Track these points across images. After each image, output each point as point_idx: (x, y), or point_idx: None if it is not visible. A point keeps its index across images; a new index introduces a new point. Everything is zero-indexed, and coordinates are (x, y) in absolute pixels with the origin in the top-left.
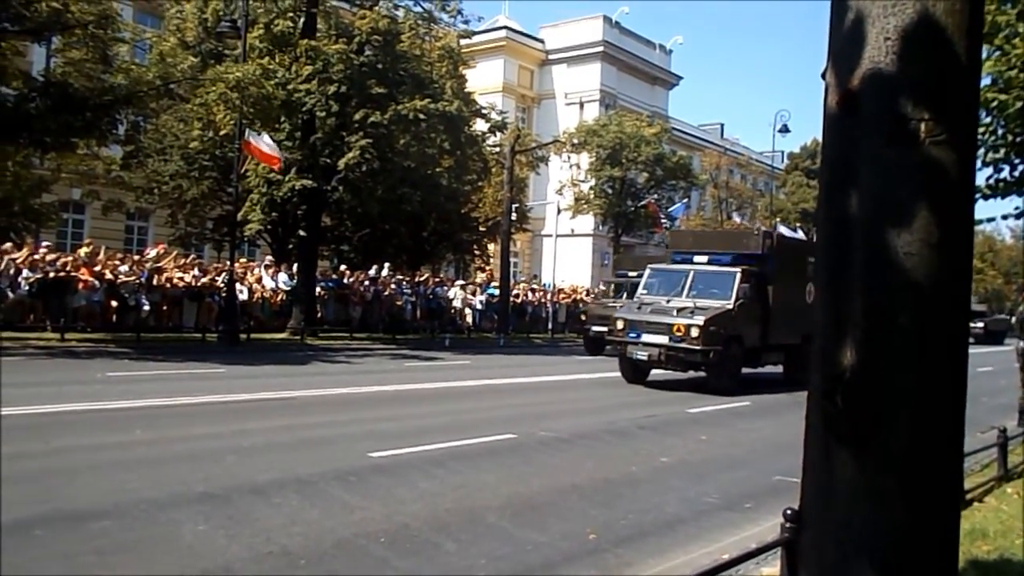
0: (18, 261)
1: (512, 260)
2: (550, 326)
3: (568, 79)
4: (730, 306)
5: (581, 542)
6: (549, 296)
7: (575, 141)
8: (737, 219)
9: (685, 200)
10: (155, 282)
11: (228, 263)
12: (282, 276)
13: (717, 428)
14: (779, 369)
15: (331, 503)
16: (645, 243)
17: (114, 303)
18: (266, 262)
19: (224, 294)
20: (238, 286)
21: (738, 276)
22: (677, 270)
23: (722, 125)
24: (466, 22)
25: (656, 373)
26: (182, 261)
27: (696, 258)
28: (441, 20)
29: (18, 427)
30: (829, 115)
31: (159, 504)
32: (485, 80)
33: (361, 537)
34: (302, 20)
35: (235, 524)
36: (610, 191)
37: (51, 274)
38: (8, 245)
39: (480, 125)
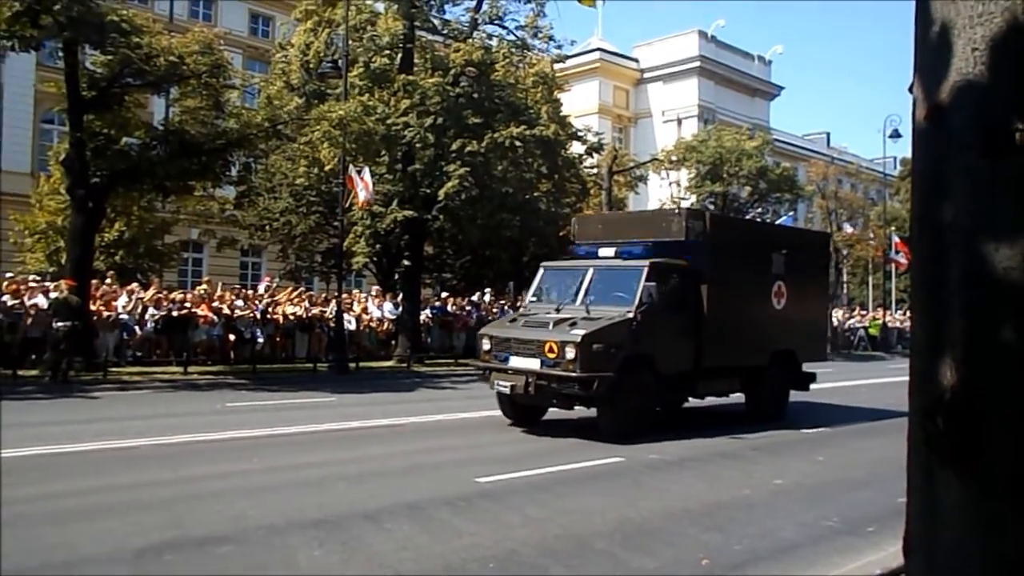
0: (145, 299)
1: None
2: None
3: (665, 96)
4: (630, 315)
5: (694, 568)
6: None
7: (674, 158)
8: (849, 229)
9: (791, 213)
10: (269, 315)
11: (336, 294)
12: (388, 305)
13: (834, 448)
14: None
15: (440, 528)
16: None
17: (231, 337)
18: (372, 292)
19: (333, 324)
20: (346, 316)
21: (644, 273)
22: (574, 268)
23: (828, 134)
24: (559, 47)
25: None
26: (293, 294)
27: (601, 251)
28: (534, 47)
29: (149, 457)
30: (918, 129)
31: (277, 530)
32: (580, 102)
33: (470, 562)
34: (399, 56)
35: (348, 549)
36: (712, 207)
37: (174, 311)
38: (135, 285)
39: (576, 147)
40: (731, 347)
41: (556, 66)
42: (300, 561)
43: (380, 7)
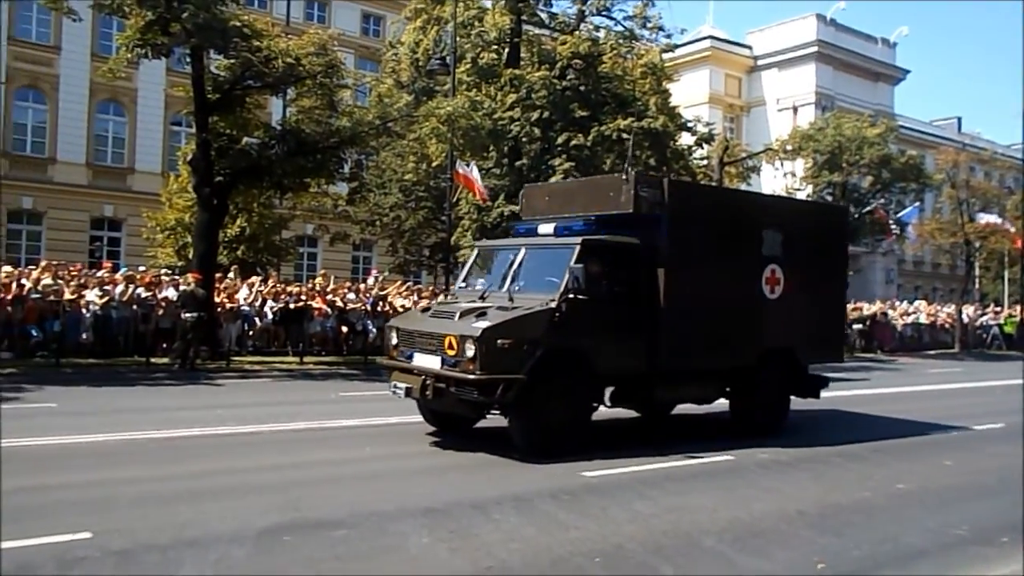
0: (264, 292)
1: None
2: None
3: (780, 84)
4: (552, 303)
5: (809, 572)
6: None
7: (789, 148)
8: (983, 219)
9: (918, 203)
10: (379, 308)
11: (444, 287)
12: None
13: (963, 452)
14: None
15: (547, 521)
16: (872, 252)
17: (344, 328)
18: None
19: None
20: None
21: (574, 253)
22: (505, 248)
23: (959, 119)
24: (668, 36)
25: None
26: (402, 287)
27: (541, 227)
28: (642, 37)
29: (268, 442)
30: None
31: (388, 516)
32: (690, 92)
33: (577, 556)
34: (506, 51)
35: (457, 538)
36: (830, 198)
37: (291, 304)
38: (255, 278)
39: (686, 139)
40: (700, 344)
41: (665, 56)
42: (410, 548)
43: (487, 2)
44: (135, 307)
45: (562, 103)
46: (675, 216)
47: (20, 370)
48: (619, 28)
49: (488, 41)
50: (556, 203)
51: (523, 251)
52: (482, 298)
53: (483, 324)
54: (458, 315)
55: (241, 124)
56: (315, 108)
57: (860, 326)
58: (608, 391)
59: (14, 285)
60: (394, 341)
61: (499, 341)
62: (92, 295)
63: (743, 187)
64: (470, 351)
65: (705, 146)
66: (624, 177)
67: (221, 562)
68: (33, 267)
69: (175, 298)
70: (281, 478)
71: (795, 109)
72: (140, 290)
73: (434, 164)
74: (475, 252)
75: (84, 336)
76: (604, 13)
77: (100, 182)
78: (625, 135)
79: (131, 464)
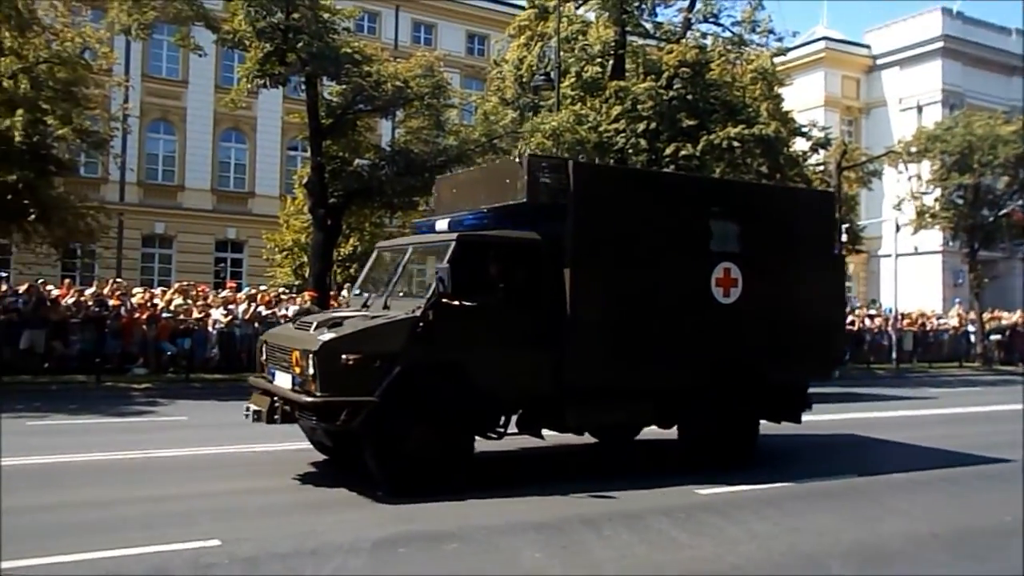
0: None
1: (846, 284)
2: (894, 355)
3: (902, 83)
4: (419, 312)
5: None
6: (891, 322)
7: (913, 149)
8: None
9: None
10: None
11: None
12: None
13: None
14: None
15: (660, 539)
16: (1011, 257)
17: None
18: None
19: None
20: None
21: (448, 252)
22: (396, 248)
23: None
24: (779, 40)
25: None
26: None
27: (438, 223)
28: (752, 42)
29: None
30: None
31: (499, 530)
32: (804, 96)
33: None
34: (611, 63)
35: (569, 554)
36: (960, 201)
37: None
38: None
39: (800, 144)
40: (621, 359)
41: (776, 60)
42: (523, 562)
43: (591, 16)
44: (256, 324)
45: (669, 113)
46: (583, 205)
47: (154, 385)
48: (727, 34)
49: (592, 54)
50: (461, 195)
51: (409, 251)
52: (365, 306)
53: (325, 337)
54: (314, 326)
55: (353, 147)
56: (423, 128)
57: (999, 336)
58: (514, 416)
59: (148, 305)
60: (263, 356)
61: (343, 356)
62: (217, 314)
63: (864, 192)
64: (311, 368)
65: (821, 151)
66: (518, 160)
67: (339, 571)
68: (164, 288)
69: (292, 316)
70: None
71: (919, 109)
72: (261, 308)
73: None
74: (375, 253)
75: (211, 352)
76: (711, 20)
77: (223, 206)
78: (735, 143)
79: (257, 475)
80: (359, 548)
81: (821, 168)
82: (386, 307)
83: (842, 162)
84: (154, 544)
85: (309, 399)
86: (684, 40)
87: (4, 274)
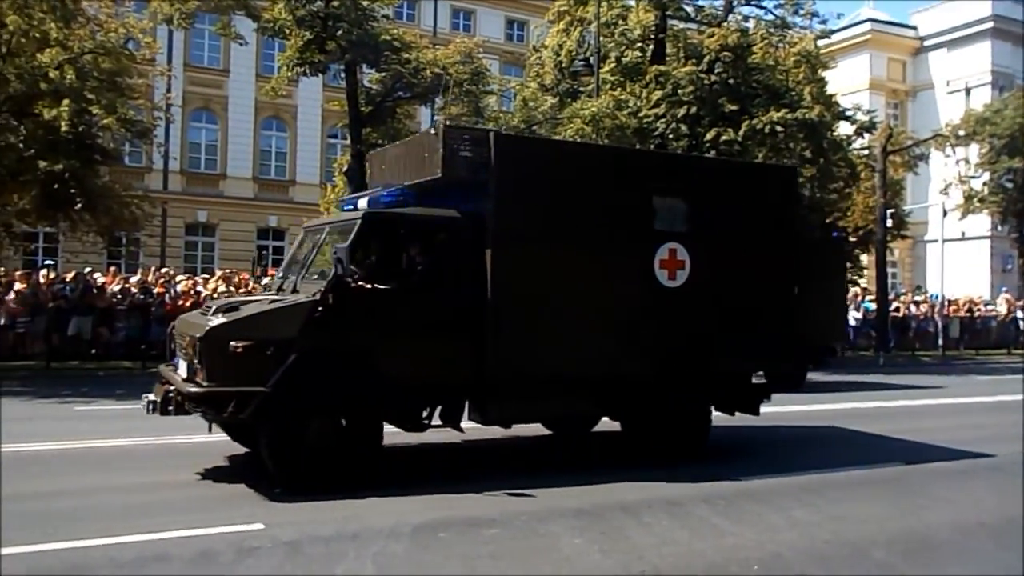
0: None
1: (890, 271)
2: (940, 342)
3: (949, 65)
4: (318, 295)
5: None
6: (937, 309)
7: (961, 133)
8: None
9: None
10: None
11: None
12: None
13: None
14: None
15: (700, 525)
16: None
17: None
18: None
19: None
20: None
21: (353, 232)
22: (315, 228)
23: None
24: (823, 22)
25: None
26: None
27: (361, 200)
28: (795, 25)
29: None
30: None
31: (538, 516)
32: (849, 79)
33: (732, 563)
34: (651, 48)
35: (608, 540)
36: (1010, 185)
37: None
38: None
39: (844, 128)
40: (550, 348)
41: (820, 43)
42: (562, 548)
43: (631, 1)
44: None
45: (710, 98)
46: (506, 180)
47: None
48: (770, 17)
49: (632, 39)
50: (389, 171)
51: (326, 231)
52: (280, 289)
53: (214, 322)
54: (212, 310)
55: (392, 134)
56: (462, 115)
57: None
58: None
59: (192, 293)
60: (172, 344)
61: (232, 343)
62: None
63: (909, 177)
64: (198, 356)
65: (866, 135)
66: (434, 131)
67: (380, 555)
68: (207, 276)
69: None
70: (434, 476)
71: (968, 91)
72: None
73: None
74: (301, 233)
75: None
76: (754, 2)
77: (265, 195)
78: (778, 128)
79: None
80: (400, 533)
81: (866, 152)
82: (295, 290)
83: (887, 146)
84: (199, 527)
85: (195, 389)
86: (726, 23)
87: (52, 262)
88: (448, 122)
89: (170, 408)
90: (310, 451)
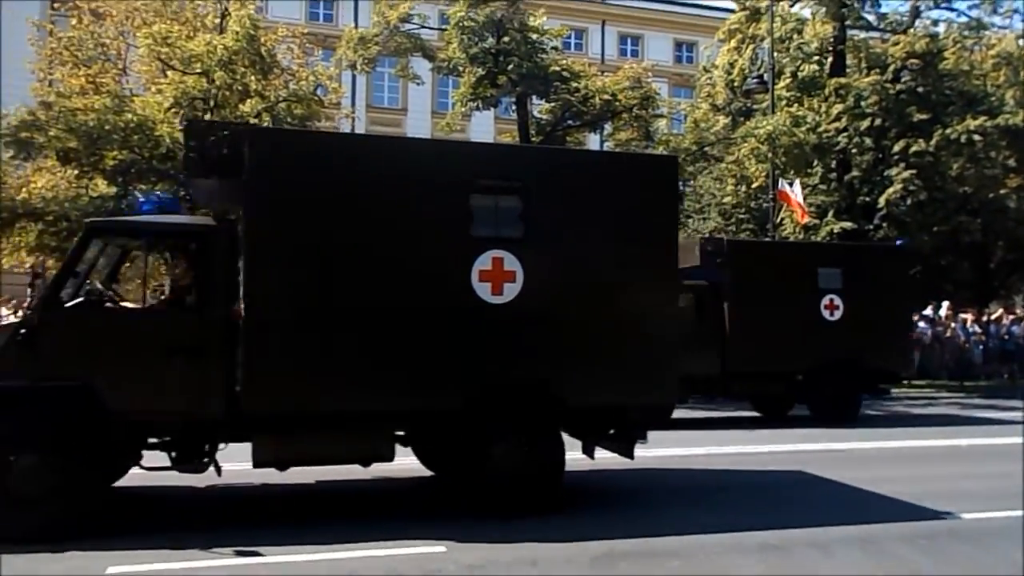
0: None
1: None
2: None
3: None
4: (27, 317)
5: None
6: None
7: None
8: None
9: None
10: None
11: None
12: None
13: None
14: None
15: (898, 565)
16: None
17: None
18: None
19: None
20: None
21: (75, 244)
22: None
23: None
24: None
25: None
26: None
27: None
28: (993, 25)
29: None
30: None
31: (719, 549)
32: None
33: None
34: (829, 60)
35: None
36: None
37: None
38: None
39: None
40: (324, 375)
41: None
42: None
43: (806, 13)
44: None
45: (896, 108)
46: (263, 181)
47: None
48: (963, 19)
49: (809, 52)
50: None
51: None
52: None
53: None
54: None
55: None
56: (632, 140)
57: None
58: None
59: None
60: None
61: None
62: None
63: None
64: None
65: None
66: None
67: None
68: None
69: None
70: (628, 499)
71: None
72: None
73: (754, 185)
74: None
75: None
76: (944, 5)
77: None
78: (976, 136)
79: None
80: (577, 560)
81: None
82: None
83: None
84: (382, 547)
85: None
86: (912, 30)
87: None
88: (620, 148)
89: None
90: (12, 495)
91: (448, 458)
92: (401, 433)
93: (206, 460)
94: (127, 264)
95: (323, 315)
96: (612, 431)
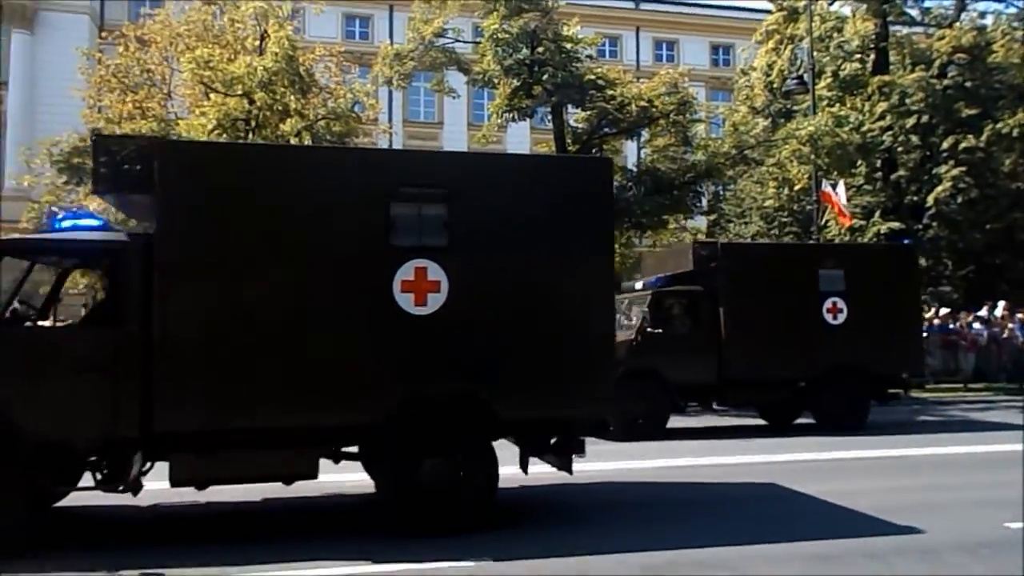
0: None
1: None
2: None
3: None
4: None
5: None
6: None
7: None
8: None
9: None
10: None
11: None
12: None
13: None
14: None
15: None
16: None
17: None
18: None
19: None
20: None
21: None
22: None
23: None
24: None
25: None
26: None
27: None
28: None
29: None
30: None
31: (775, 559)
32: None
33: None
34: (871, 58)
35: None
36: None
37: None
38: None
39: None
40: (237, 393)
41: None
42: None
43: (846, 11)
44: None
45: (944, 104)
46: (172, 194)
47: None
48: (1012, 10)
49: (850, 51)
50: None
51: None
52: None
53: None
54: None
55: None
56: (669, 146)
57: None
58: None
59: None
60: None
61: None
62: None
63: None
64: None
65: None
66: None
67: None
68: None
69: None
70: (675, 505)
71: None
72: None
73: (796, 188)
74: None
75: None
76: None
77: None
78: None
79: None
80: (624, 571)
81: None
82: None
83: None
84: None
85: None
86: (957, 23)
87: None
88: (659, 155)
89: None
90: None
91: (377, 475)
92: (323, 450)
93: (135, 481)
94: (64, 282)
95: (236, 330)
96: (552, 443)
